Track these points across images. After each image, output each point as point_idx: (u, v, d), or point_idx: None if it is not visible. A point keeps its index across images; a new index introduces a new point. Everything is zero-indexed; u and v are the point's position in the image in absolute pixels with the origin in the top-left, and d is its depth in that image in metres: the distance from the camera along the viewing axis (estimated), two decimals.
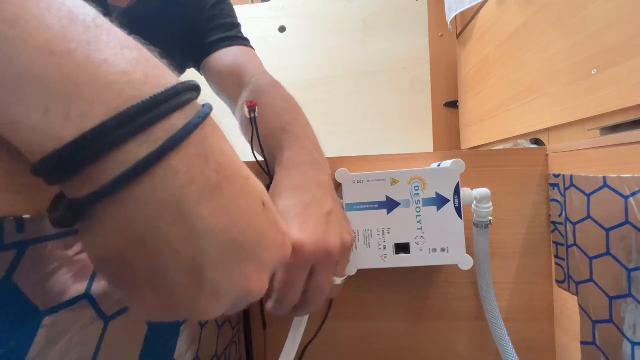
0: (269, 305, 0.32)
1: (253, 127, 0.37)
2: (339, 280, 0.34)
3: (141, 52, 0.16)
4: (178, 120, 0.15)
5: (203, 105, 0.17)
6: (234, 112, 0.56)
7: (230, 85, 0.56)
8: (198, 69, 0.63)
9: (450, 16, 1.07)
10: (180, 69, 0.65)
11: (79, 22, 0.14)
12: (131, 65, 0.15)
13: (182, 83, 0.16)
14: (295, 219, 0.30)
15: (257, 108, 0.37)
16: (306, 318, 0.35)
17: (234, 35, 0.61)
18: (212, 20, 0.60)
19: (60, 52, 0.13)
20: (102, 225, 0.15)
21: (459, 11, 1.00)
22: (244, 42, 0.62)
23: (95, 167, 0.14)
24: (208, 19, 0.60)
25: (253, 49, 0.62)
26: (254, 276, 0.19)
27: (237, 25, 0.63)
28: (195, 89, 0.17)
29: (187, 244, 0.16)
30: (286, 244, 0.21)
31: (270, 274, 0.20)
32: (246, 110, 0.36)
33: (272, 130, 0.39)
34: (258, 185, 0.20)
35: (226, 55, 0.59)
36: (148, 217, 0.15)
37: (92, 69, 0.13)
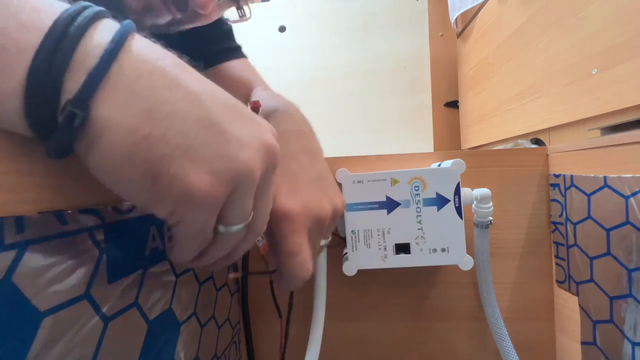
0: (281, 283, 0.30)
1: None
2: (324, 242, 0.34)
3: None
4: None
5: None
6: None
7: (238, 97, 0.58)
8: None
9: (453, 15, 1.07)
10: None
11: None
12: None
13: None
14: (284, 187, 0.29)
15: (260, 108, 0.37)
16: (322, 318, 0.37)
17: (236, 47, 0.65)
18: (215, 27, 0.59)
19: None
20: (108, 111, 0.15)
21: (462, 10, 1.00)
22: (242, 53, 0.66)
23: (78, 55, 0.15)
24: (210, 25, 0.60)
25: (246, 57, 0.67)
26: (263, 131, 0.20)
27: (232, 31, 0.65)
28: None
29: (191, 103, 0.17)
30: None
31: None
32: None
33: (265, 113, 0.39)
34: None
35: (233, 70, 0.62)
36: (145, 88, 0.16)
37: None
